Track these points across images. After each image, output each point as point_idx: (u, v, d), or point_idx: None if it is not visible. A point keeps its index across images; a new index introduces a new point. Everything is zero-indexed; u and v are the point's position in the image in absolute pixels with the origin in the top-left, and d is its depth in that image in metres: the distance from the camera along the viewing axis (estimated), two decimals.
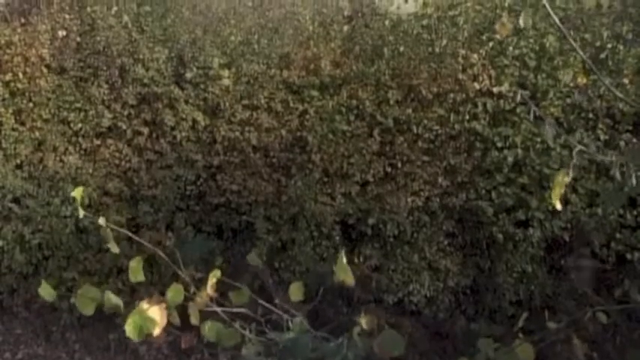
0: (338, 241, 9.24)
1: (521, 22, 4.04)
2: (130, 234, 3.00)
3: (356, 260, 9.27)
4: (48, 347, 9.38)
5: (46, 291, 2.64)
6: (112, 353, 9.14)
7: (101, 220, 2.58)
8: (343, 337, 2.49)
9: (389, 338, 2.60)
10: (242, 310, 2.68)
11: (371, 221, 9.09)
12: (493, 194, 8.93)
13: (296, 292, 2.84)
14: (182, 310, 2.63)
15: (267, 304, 2.70)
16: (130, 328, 2.44)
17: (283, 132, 9.35)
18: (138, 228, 9.43)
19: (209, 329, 2.63)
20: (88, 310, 2.49)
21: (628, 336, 7.82)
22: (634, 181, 2.85)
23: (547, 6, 3.31)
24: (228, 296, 2.87)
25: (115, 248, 2.63)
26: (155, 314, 2.46)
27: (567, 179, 2.64)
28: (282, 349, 2.51)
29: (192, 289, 2.57)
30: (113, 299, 2.49)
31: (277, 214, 9.27)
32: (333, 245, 9.24)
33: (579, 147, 2.96)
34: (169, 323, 2.58)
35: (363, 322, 2.53)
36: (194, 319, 2.58)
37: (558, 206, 2.69)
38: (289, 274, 9.04)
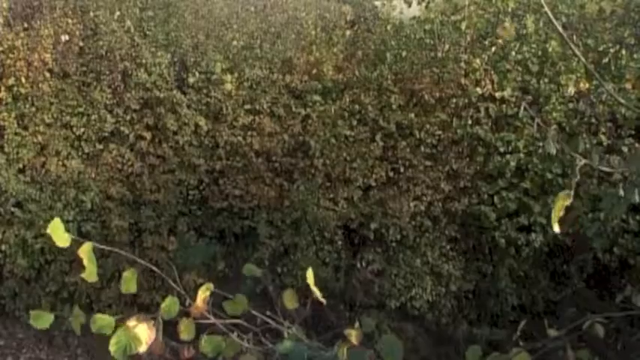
0: (340, 246, 9.25)
1: (528, 25, 4.04)
2: (123, 252, 2.94)
3: (358, 265, 9.28)
4: (50, 352, 9.38)
5: (40, 320, 2.53)
6: (113, 358, 9.13)
7: (83, 250, 2.43)
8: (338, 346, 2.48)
9: (389, 343, 2.59)
10: (238, 321, 2.65)
11: (373, 226, 9.09)
12: (495, 199, 8.92)
13: (290, 299, 2.83)
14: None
15: (263, 314, 2.67)
16: (114, 348, 2.38)
17: (286, 137, 9.36)
18: (140, 232, 9.44)
19: (206, 343, 2.58)
20: (77, 329, 2.46)
21: (630, 341, 7.78)
22: (637, 195, 2.83)
23: (549, 12, 3.29)
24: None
25: (93, 277, 2.46)
26: (142, 332, 2.39)
27: (567, 202, 2.60)
28: (279, 358, 2.49)
29: (188, 301, 2.53)
30: (99, 322, 2.41)
31: (280, 218, 9.28)
32: (336, 250, 9.25)
33: (583, 161, 2.92)
34: (168, 334, 2.55)
35: (353, 336, 2.51)
36: (186, 335, 2.54)
37: (557, 229, 2.65)
38: (292, 279, 9.03)
